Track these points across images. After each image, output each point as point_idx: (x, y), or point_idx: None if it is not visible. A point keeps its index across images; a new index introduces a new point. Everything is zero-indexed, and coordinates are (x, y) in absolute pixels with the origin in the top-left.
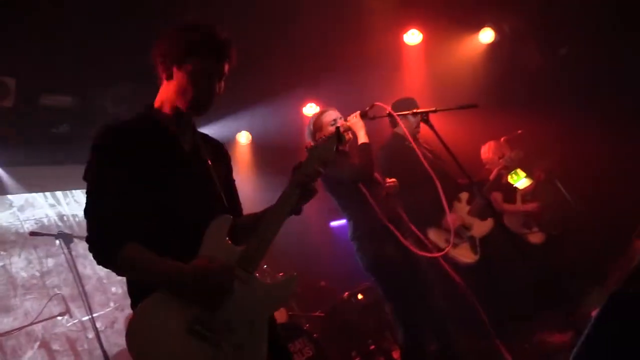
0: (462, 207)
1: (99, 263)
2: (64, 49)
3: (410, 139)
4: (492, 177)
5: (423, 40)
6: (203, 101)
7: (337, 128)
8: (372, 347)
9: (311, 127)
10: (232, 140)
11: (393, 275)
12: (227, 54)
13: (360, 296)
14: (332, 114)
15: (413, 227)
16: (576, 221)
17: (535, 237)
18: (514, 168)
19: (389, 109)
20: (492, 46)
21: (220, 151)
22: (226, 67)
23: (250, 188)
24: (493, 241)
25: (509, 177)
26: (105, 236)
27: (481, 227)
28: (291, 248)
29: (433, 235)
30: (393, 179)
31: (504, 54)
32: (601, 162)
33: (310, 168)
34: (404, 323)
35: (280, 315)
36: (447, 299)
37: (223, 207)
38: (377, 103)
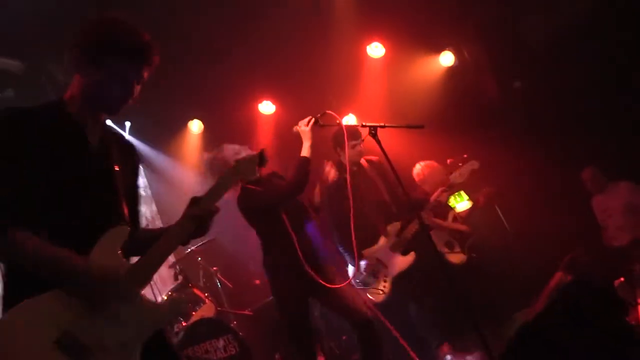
0: (388, 241)
1: None
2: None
3: (348, 173)
4: (434, 197)
5: (385, 54)
6: (114, 105)
7: (262, 150)
8: None
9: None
10: (183, 127)
11: (291, 311)
12: (147, 59)
13: None
14: (234, 148)
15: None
16: (509, 248)
17: (455, 258)
18: (460, 187)
19: (339, 119)
20: (451, 70)
21: (130, 153)
22: (145, 73)
23: (195, 177)
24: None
25: (451, 198)
26: None
27: (400, 264)
28: (230, 243)
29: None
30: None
31: (462, 78)
32: (541, 193)
33: (211, 202)
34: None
35: (208, 310)
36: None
37: (122, 215)
38: (329, 111)
